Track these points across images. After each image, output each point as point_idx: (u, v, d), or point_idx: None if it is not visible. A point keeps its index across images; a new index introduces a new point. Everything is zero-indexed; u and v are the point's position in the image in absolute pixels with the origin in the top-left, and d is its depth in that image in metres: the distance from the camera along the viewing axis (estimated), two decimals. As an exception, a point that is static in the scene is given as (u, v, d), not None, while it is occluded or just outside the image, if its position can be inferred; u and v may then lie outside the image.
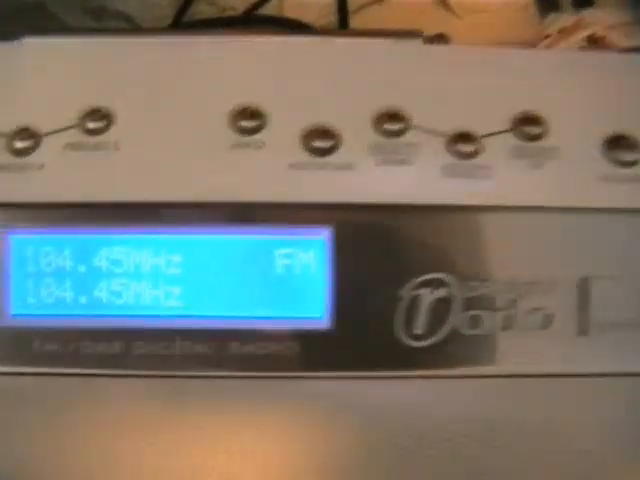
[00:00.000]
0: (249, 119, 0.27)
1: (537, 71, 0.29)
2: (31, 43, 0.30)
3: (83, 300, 0.27)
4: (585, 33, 0.44)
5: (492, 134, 0.28)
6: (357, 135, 0.28)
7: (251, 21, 0.47)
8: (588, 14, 0.45)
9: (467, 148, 0.28)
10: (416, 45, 0.30)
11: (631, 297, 0.27)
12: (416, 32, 0.31)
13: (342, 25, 0.47)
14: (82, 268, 0.27)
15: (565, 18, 0.46)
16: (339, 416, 0.28)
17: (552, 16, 0.47)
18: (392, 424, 0.29)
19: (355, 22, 0.47)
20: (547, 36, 0.45)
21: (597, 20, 0.44)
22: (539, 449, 0.30)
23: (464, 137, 0.28)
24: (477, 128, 0.28)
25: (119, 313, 0.27)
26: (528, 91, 0.29)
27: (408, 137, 0.28)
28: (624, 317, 0.27)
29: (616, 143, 0.28)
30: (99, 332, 0.27)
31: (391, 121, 0.28)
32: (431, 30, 0.32)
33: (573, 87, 0.29)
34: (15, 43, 0.30)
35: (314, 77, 0.29)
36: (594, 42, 0.44)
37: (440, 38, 0.35)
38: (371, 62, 0.29)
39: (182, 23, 0.46)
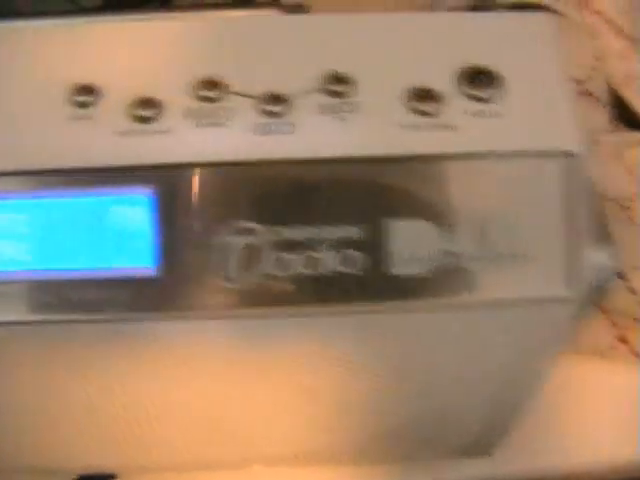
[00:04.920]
0: (85, 94, 0.31)
1: (348, 34, 0.32)
2: None
3: None
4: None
5: (301, 94, 0.31)
6: (177, 102, 0.31)
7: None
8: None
9: (276, 108, 0.30)
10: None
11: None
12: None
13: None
14: None
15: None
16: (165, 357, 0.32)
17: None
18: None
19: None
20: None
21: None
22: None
23: (274, 98, 0.30)
24: (287, 89, 0.31)
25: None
26: (339, 52, 0.31)
27: (224, 102, 0.31)
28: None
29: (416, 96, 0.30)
30: None
31: (208, 88, 0.31)
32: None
33: (378, 47, 0.31)
34: None
35: (143, 51, 0.32)
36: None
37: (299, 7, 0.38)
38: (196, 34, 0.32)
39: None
